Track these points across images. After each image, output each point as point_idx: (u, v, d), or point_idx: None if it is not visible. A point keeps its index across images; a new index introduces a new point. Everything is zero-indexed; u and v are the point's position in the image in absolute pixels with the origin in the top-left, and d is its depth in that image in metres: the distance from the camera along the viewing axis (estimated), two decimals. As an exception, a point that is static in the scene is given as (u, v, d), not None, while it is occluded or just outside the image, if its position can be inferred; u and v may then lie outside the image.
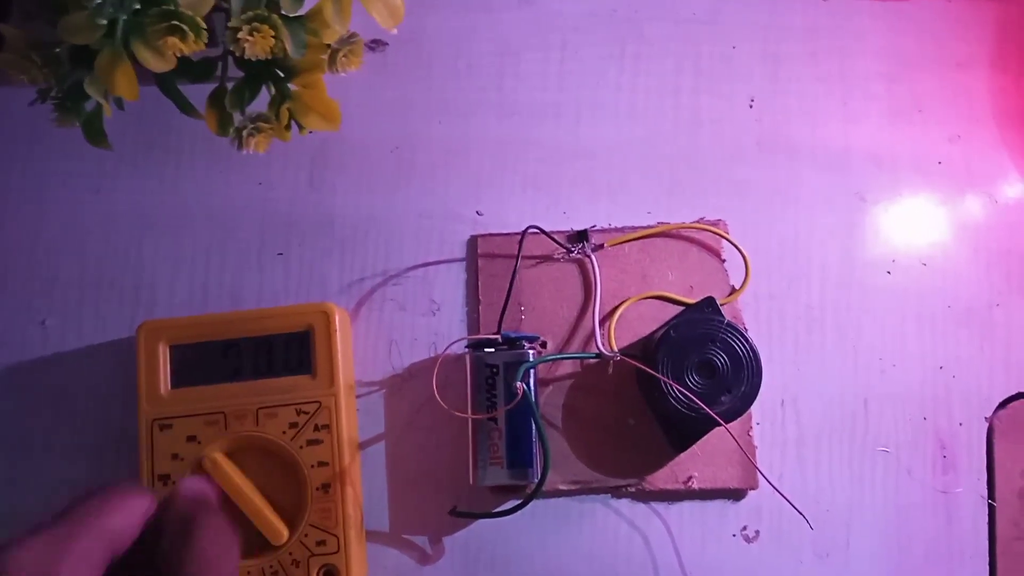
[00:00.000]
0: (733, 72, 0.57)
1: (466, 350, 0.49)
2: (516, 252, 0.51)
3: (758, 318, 0.53)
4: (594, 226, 0.53)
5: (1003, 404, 0.51)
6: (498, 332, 0.49)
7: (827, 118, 0.56)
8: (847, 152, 0.55)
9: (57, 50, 0.43)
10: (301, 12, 0.43)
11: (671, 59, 0.57)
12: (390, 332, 0.52)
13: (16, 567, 0.30)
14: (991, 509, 0.49)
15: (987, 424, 0.51)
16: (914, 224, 0.54)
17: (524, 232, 0.51)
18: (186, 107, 0.48)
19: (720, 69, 0.57)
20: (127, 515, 0.33)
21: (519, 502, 0.45)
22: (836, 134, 0.55)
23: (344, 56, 0.46)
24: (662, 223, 0.53)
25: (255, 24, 0.42)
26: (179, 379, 0.48)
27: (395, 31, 0.46)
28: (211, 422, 0.47)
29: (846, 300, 0.53)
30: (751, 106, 0.56)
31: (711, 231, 0.53)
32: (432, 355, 0.52)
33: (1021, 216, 0.54)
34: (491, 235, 0.53)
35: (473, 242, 0.53)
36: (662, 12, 0.58)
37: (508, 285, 0.51)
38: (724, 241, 0.53)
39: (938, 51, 0.57)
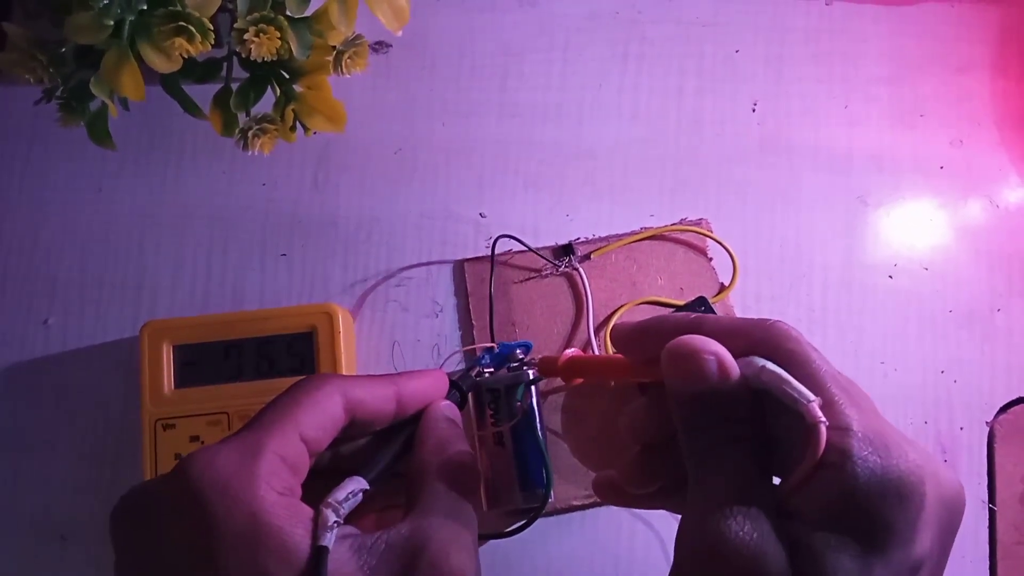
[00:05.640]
0: (736, 74, 0.57)
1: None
2: (503, 270, 0.52)
3: (760, 320, 0.53)
4: (578, 238, 0.53)
5: (1004, 408, 0.51)
6: (492, 341, 0.50)
7: (829, 121, 0.56)
8: (849, 155, 0.55)
9: (62, 49, 0.43)
10: (307, 14, 0.44)
11: (674, 61, 0.57)
12: (393, 333, 0.52)
13: (202, 471, 0.29)
14: (991, 513, 0.50)
15: (988, 428, 0.51)
16: (915, 227, 0.54)
17: (496, 240, 0.51)
18: (191, 107, 0.48)
19: (723, 71, 0.57)
20: (319, 415, 0.32)
21: (523, 522, 0.44)
22: (838, 137, 0.56)
23: (349, 58, 0.47)
24: (646, 228, 0.53)
25: (261, 25, 0.42)
26: (182, 379, 0.48)
27: (400, 33, 0.46)
28: (214, 422, 0.47)
29: (847, 303, 0.53)
30: (754, 108, 0.56)
31: (694, 231, 0.53)
32: (435, 357, 0.52)
33: (1022, 220, 0.54)
34: (477, 259, 0.53)
35: (460, 267, 0.53)
36: (665, 14, 0.58)
37: (488, 292, 0.51)
38: (710, 240, 0.53)
39: (940, 55, 0.57)
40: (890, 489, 0.27)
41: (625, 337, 0.37)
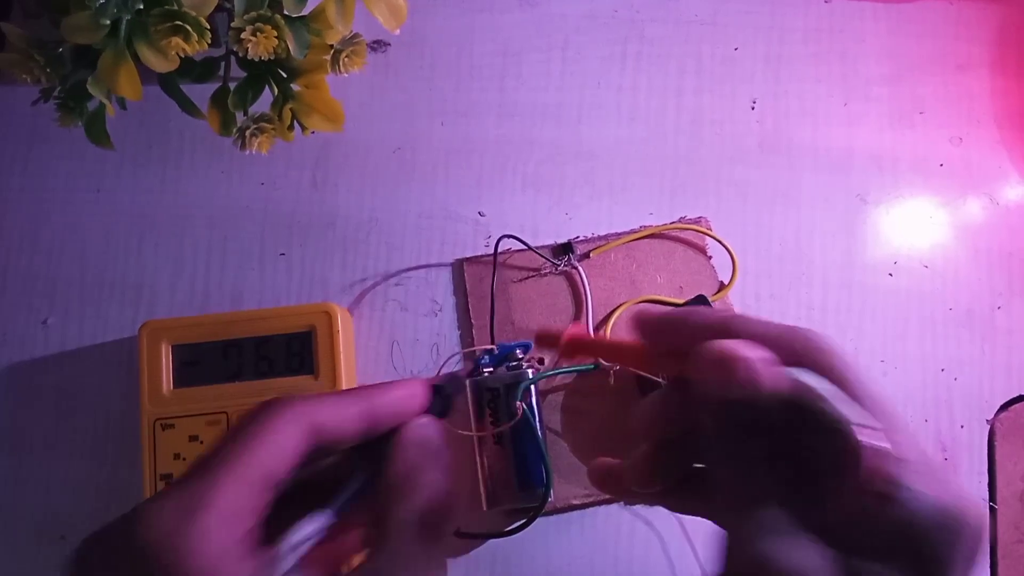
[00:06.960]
0: (735, 73, 0.57)
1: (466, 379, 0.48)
2: (502, 269, 0.52)
3: (759, 319, 0.52)
4: (577, 237, 0.53)
5: (1004, 407, 0.51)
6: (492, 342, 0.50)
7: (829, 120, 0.56)
8: (849, 154, 0.55)
9: (60, 50, 0.43)
10: (304, 12, 0.43)
11: (673, 60, 0.57)
12: (392, 332, 0.52)
13: (147, 526, 0.27)
14: (992, 512, 0.49)
15: (988, 426, 0.51)
16: (915, 226, 0.54)
17: (499, 240, 0.51)
18: (189, 107, 0.48)
19: (722, 70, 0.57)
20: (274, 450, 0.30)
21: (523, 521, 0.44)
22: (838, 136, 0.56)
23: (347, 57, 0.46)
24: (645, 226, 0.53)
25: (258, 24, 0.42)
26: (181, 379, 0.48)
27: (398, 32, 0.46)
28: (213, 422, 0.47)
29: (847, 301, 0.53)
30: (753, 107, 0.56)
31: (693, 229, 0.53)
32: (434, 356, 0.52)
33: (1022, 218, 0.54)
34: (477, 257, 0.53)
35: (459, 266, 0.53)
36: (664, 13, 0.58)
37: (490, 293, 0.51)
38: (709, 238, 0.53)
39: (939, 53, 0.57)
40: (946, 523, 0.26)
41: (650, 325, 0.35)
